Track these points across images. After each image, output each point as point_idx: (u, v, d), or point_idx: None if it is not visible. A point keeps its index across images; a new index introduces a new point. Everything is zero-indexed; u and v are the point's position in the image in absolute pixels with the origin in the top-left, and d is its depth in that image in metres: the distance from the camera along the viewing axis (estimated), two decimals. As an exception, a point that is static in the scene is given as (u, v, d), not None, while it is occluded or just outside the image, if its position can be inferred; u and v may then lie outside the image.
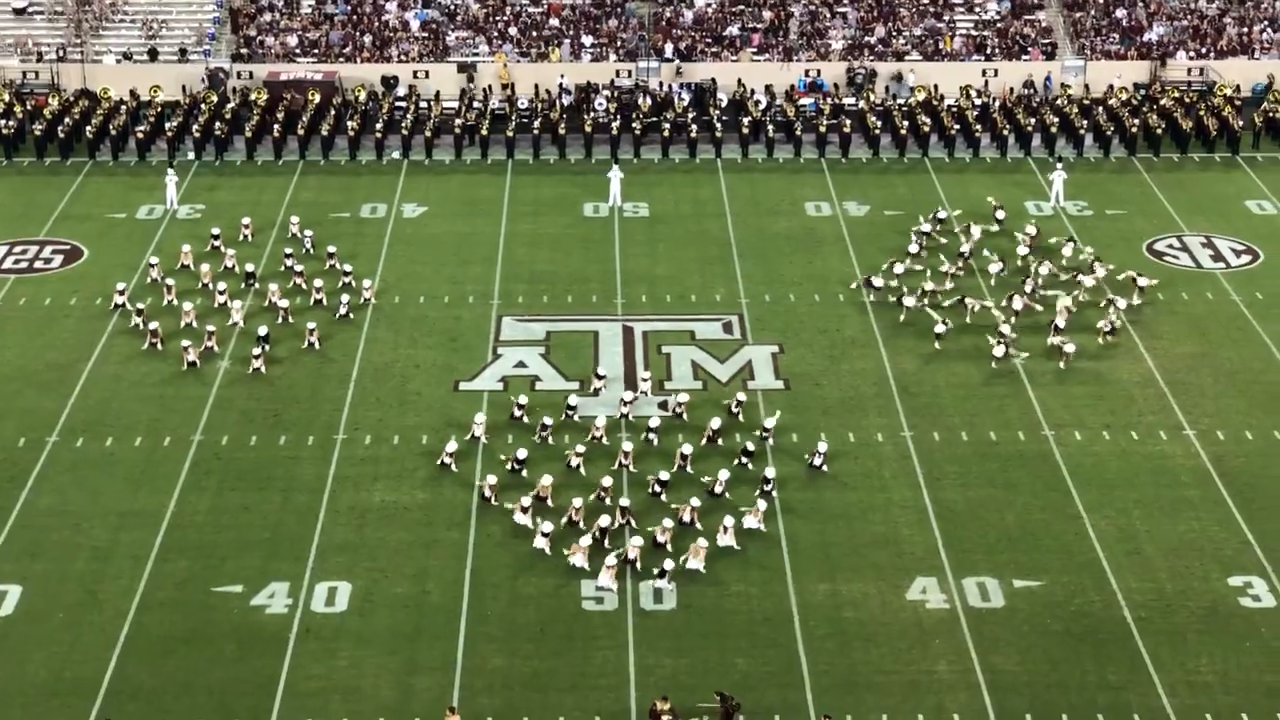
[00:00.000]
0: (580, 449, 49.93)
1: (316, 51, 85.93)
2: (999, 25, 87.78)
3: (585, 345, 57.94)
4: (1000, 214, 67.80)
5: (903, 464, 50.29)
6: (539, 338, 58.51)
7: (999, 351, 56.19)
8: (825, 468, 49.65)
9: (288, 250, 64.48)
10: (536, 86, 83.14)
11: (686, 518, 46.73)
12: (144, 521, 47.24)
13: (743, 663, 41.34)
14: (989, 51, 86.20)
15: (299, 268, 62.74)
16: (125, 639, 42.13)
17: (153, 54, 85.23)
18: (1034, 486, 49.15)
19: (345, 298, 60.44)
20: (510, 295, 61.79)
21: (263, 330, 57.44)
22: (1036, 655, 41.61)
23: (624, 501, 47.31)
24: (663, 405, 53.39)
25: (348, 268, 62.42)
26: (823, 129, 77.90)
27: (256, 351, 55.98)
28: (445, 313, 60.08)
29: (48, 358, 57.09)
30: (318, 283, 61.03)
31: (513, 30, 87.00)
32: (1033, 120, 78.54)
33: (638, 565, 44.77)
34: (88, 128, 77.59)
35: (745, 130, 77.92)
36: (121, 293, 60.55)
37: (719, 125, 78.15)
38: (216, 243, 65.34)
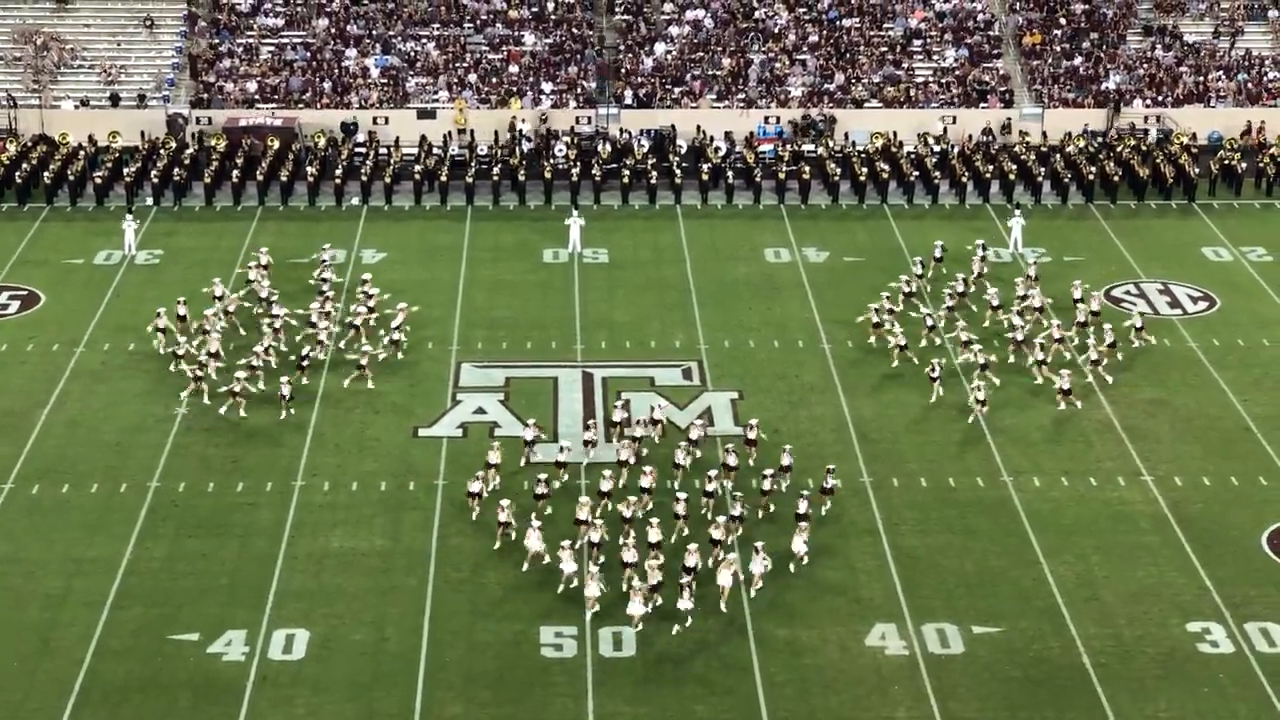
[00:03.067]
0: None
1: (276, 98, 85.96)
2: (957, 72, 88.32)
3: (544, 391, 57.88)
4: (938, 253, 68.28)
5: (861, 510, 50.27)
6: (498, 384, 58.41)
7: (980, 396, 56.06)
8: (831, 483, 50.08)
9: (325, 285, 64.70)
10: (496, 133, 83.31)
11: (719, 535, 46.99)
12: (100, 568, 46.88)
13: (702, 709, 41.17)
14: (947, 99, 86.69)
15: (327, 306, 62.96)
16: (80, 688, 41.72)
17: (114, 99, 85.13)
18: (992, 533, 49.20)
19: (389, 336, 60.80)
20: (469, 341, 61.71)
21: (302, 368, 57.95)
22: (995, 701, 41.56)
23: (653, 536, 47.03)
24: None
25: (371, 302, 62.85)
26: (782, 175, 78.20)
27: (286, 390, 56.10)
28: (404, 358, 59.90)
29: (3, 404, 56.74)
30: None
31: (472, 77, 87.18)
32: (991, 167, 78.97)
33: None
34: (45, 173, 77.41)
35: (705, 177, 78.15)
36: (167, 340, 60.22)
37: (679, 172, 78.36)
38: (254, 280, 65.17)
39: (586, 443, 53.22)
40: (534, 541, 46.50)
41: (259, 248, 67.78)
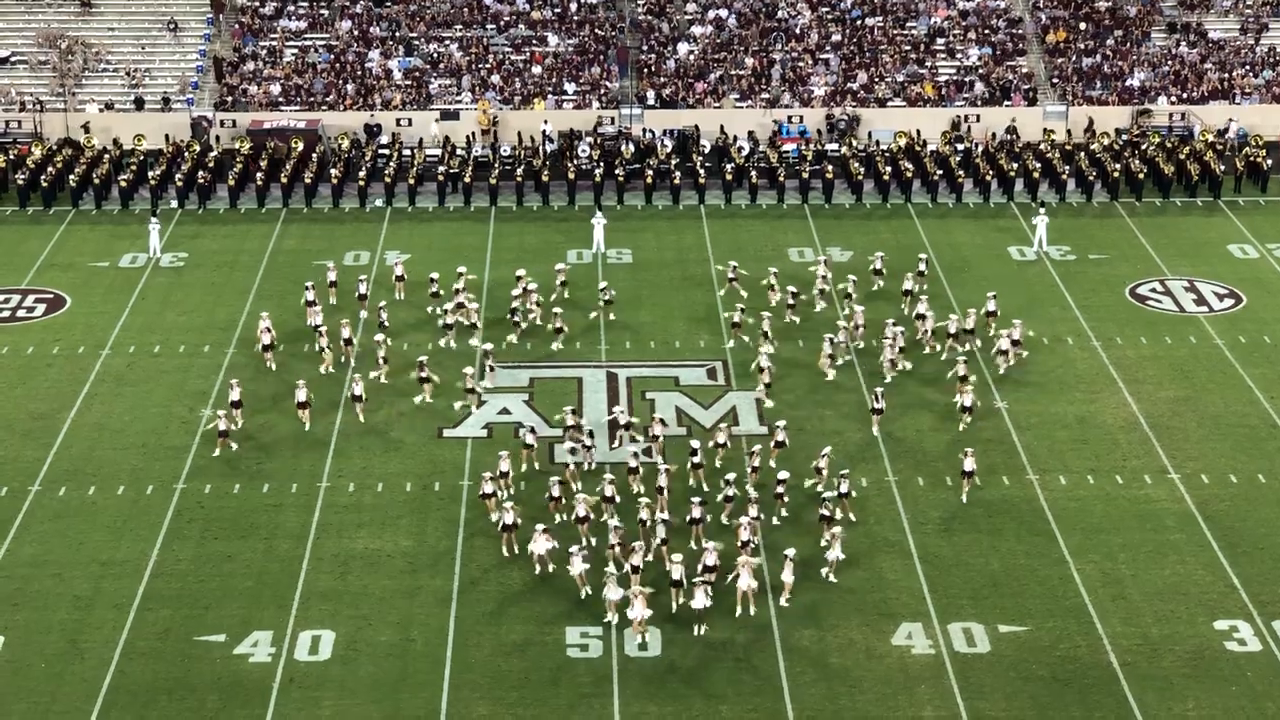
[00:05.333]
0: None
1: (300, 98, 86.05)
2: (981, 71, 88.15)
3: (569, 392, 57.87)
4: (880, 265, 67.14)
5: (887, 509, 50.16)
6: (523, 384, 58.38)
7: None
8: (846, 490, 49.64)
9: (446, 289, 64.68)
10: (520, 134, 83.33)
11: (746, 535, 46.70)
12: (126, 570, 47.03)
13: (727, 710, 41.14)
14: (972, 97, 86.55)
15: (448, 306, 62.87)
16: (107, 689, 41.85)
17: (139, 103, 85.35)
18: (1019, 531, 49.07)
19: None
20: (495, 342, 61.58)
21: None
22: (1022, 701, 41.46)
23: (661, 533, 47.15)
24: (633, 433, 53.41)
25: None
26: (805, 175, 78.11)
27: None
28: (429, 359, 59.83)
29: (30, 407, 56.94)
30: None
31: (495, 78, 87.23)
32: (1015, 165, 78.79)
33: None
34: (71, 176, 77.63)
35: (728, 176, 78.10)
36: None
37: (702, 171, 78.31)
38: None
39: (586, 447, 53.07)
40: (540, 546, 46.43)
41: (328, 263, 67.36)
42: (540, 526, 46.64)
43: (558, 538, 46.85)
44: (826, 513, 48.18)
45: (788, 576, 45.42)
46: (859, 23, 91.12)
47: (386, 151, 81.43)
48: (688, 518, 48.32)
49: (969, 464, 50.63)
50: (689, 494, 49.91)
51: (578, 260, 69.91)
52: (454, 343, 61.17)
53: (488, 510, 49.03)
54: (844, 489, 49.36)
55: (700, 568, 45.23)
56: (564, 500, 49.24)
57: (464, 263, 67.98)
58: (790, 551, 45.79)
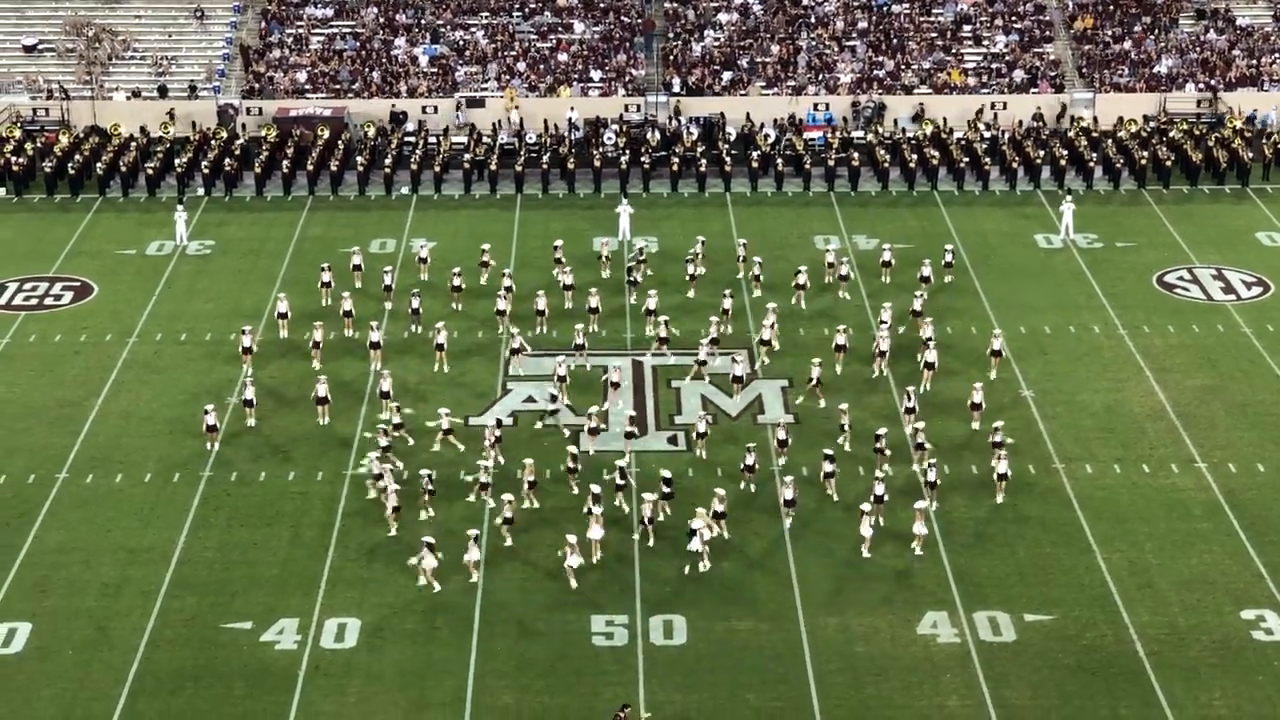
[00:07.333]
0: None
1: (327, 85, 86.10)
2: (1008, 58, 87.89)
3: (595, 380, 57.86)
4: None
5: (912, 498, 49.98)
6: (548, 372, 58.29)
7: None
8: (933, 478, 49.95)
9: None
10: (545, 121, 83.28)
11: (720, 507, 47.41)
12: (153, 558, 47.18)
13: (753, 698, 41.16)
14: (1001, 85, 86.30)
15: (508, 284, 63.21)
16: (134, 676, 42.00)
17: (162, 91, 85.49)
18: (1045, 520, 48.97)
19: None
20: (519, 329, 61.53)
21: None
22: (1048, 690, 41.40)
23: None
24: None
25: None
26: (831, 162, 77.98)
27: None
28: (455, 347, 59.89)
29: (57, 394, 57.12)
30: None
31: (521, 66, 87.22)
32: (1042, 153, 78.55)
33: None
34: (98, 164, 77.82)
35: (754, 164, 77.98)
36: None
37: (728, 159, 78.21)
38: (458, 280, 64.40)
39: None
40: (427, 563, 45.92)
41: (354, 249, 67.46)
42: (427, 539, 46.19)
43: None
44: (879, 493, 48.51)
45: (866, 530, 46.48)
46: (885, 10, 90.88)
47: (412, 139, 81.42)
48: (661, 491, 49.03)
49: (1002, 467, 50.31)
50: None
51: (603, 248, 69.73)
52: (515, 329, 60.86)
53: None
54: (932, 477, 49.58)
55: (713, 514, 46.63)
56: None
57: (490, 250, 67.64)
58: (866, 506, 46.79)
